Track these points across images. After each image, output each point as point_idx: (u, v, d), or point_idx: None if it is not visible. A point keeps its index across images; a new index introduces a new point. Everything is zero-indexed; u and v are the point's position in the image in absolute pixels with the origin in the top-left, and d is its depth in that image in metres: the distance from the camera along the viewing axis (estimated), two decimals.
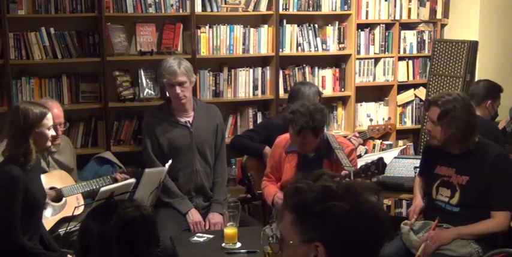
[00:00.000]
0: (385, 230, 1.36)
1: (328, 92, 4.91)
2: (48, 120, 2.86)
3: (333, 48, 4.88)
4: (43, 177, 3.10)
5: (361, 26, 4.93)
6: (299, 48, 4.79)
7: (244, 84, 4.69)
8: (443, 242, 2.95)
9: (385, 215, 1.39)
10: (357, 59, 4.92)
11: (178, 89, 3.65)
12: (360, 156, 4.58)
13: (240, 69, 4.67)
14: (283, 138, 3.55)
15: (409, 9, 5.06)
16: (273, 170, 3.59)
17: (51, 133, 2.90)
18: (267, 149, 3.94)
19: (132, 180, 3.37)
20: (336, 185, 1.37)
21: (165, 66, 3.68)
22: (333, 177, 1.40)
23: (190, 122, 3.77)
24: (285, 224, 1.39)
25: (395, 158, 4.26)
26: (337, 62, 4.98)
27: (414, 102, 5.18)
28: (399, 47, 5.05)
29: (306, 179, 1.41)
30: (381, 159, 3.06)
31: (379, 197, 1.39)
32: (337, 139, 3.47)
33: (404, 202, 4.90)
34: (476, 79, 4.61)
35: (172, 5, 4.40)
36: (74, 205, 3.29)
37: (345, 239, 1.31)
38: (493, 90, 4.04)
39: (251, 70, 4.70)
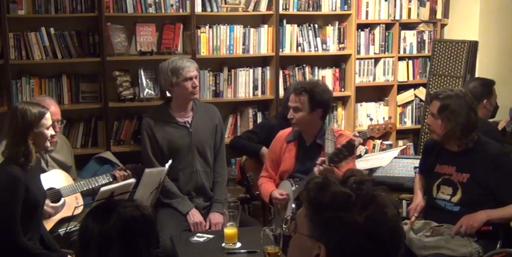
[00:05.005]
0: (392, 250, 1.33)
1: None
2: (47, 120, 2.86)
3: (333, 48, 4.88)
4: (42, 177, 3.09)
5: (361, 26, 4.93)
6: (299, 48, 4.79)
7: (244, 84, 4.68)
8: (474, 225, 2.93)
9: (399, 236, 1.34)
10: (357, 59, 4.92)
11: (196, 82, 3.70)
12: (359, 156, 4.58)
13: (240, 69, 4.67)
14: (284, 132, 3.58)
15: (409, 9, 5.06)
16: (273, 164, 3.59)
17: (51, 132, 2.90)
18: (264, 149, 3.95)
19: (132, 180, 3.37)
20: (358, 194, 1.31)
21: (180, 62, 3.70)
22: (361, 183, 1.35)
23: (189, 122, 3.78)
24: (301, 214, 1.38)
25: (395, 158, 4.26)
26: (337, 62, 4.98)
27: (414, 102, 5.18)
28: (399, 47, 5.05)
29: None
30: (348, 141, 3.07)
31: (398, 212, 1.34)
32: (337, 131, 3.47)
33: (404, 202, 4.88)
34: None
35: (172, 5, 4.40)
36: (74, 204, 3.29)
37: (348, 250, 1.30)
38: (485, 88, 4.01)
39: (251, 70, 4.70)
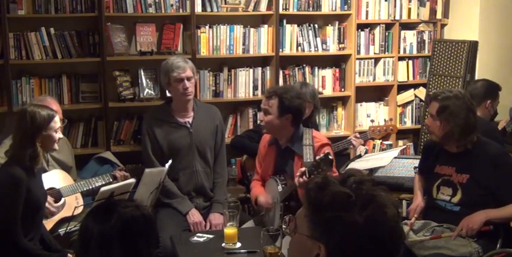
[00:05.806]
0: (392, 250, 1.33)
1: (328, 92, 4.91)
2: (56, 123, 2.87)
3: (333, 48, 4.88)
4: (42, 177, 3.09)
5: (361, 26, 4.93)
6: (299, 48, 4.80)
7: (244, 84, 4.69)
8: (474, 227, 2.93)
9: (398, 236, 1.35)
10: (357, 59, 4.92)
11: (187, 83, 3.66)
12: (359, 156, 4.58)
13: (240, 69, 4.67)
14: (268, 135, 3.57)
15: (409, 9, 5.06)
16: (260, 165, 3.58)
17: (59, 135, 2.90)
18: None
19: (132, 180, 3.37)
20: (357, 194, 1.32)
21: (171, 63, 3.69)
22: (360, 183, 1.35)
23: (190, 122, 3.77)
24: (301, 214, 1.38)
25: (395, 158, 4.26)
26: (337, 62, 4.98)
27: (414, 102, 5.18)
28: (399, 47, 5.05)
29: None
30: (326, 155, 3.01)
31: (398, 212, 1.34)
32: (313, 134, 3.44)
33: (404, 202, 4.88)
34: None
35: (172, 5, 4.40)
36: (74, 204, 3.29)
37: (348, 250, 1.30)
38: (492, 89, 4.04)
39: (251, 70, 4.70)
